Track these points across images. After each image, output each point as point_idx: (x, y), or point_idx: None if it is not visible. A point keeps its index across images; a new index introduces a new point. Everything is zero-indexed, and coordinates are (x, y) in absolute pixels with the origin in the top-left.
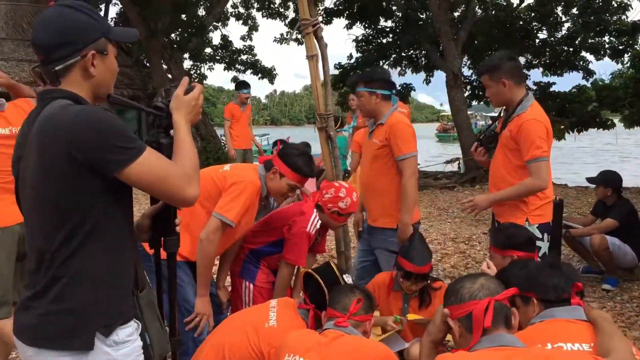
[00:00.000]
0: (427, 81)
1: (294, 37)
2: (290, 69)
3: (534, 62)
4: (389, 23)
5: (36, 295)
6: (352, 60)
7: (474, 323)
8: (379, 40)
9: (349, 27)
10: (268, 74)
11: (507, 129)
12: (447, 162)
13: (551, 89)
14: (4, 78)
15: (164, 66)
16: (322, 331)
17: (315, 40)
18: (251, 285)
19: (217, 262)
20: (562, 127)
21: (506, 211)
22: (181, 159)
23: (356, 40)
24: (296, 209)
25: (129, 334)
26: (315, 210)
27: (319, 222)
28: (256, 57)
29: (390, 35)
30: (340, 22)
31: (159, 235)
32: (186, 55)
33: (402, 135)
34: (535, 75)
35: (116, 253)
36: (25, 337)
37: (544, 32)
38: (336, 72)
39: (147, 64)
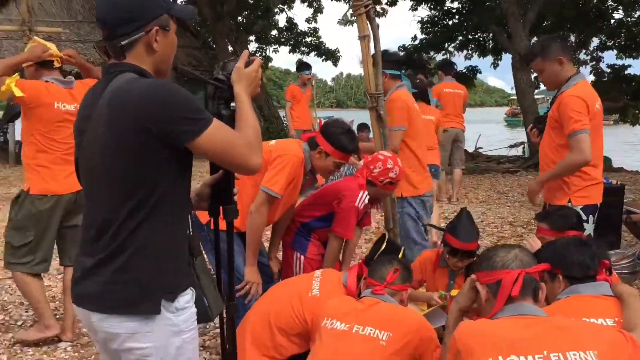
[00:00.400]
0: (495, 64)
1: (351, 18)
2: (355, 51)
3: (608, 44)
4: (455, 4)
5: (99, 264)
6: (417, 42)
7: (501, 291)
8: (445, 22)
9: (414, 8)
10: (332, 56)
11: (552, 108)
12: (511, 146)
13: (626, 72)
14: (76, 57)
15: (230, 48)
16: (360, 299)
17: (367, 21)
18: (302, 257)
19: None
20: (637, 111)
21: (549, 192)
22: (244, 129)
23: (421, 22)
24: (348, 184)
25: (187, 300)
26: (364, 186)
27: (368, 197)
28: (321, 40)
29: (457, 17)
30: (405, 4)
31: (218, 203)
32: (252, 38)
33: (393, 109)
34: (609, 57)
35: (178, 224)
36: (90, 304)
37: (620, 11)
38: (400, 54)
39: (214, 46)
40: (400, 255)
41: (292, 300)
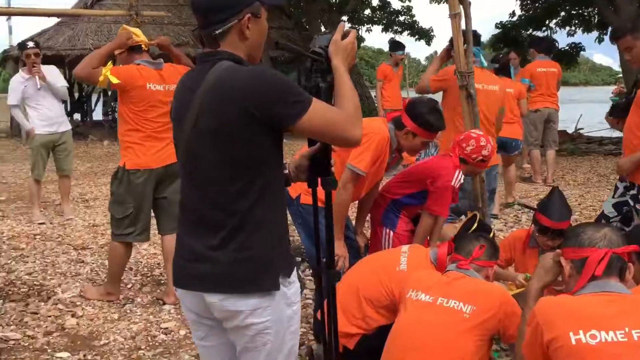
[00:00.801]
0: (600, 39)
1: None
2: (450, 30)
3: None
4: None
5: (215, 245)
6: (515, 19)
7: (585, 269)
8: None
9: None
10: (425, 35)
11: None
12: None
13: None
14: (167, 44)
15: (323, 28)
16: (445, 272)
17: None
18: (391, 232)
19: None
20: None
21: (638, 172)
22: (343, 102)
23: None
24: (442, 162)
25: (294, 274)
26: (458, 164)
27: (463, 176)
28: (414, 18)
29: None
30: None
31: (316, 175)
32: (345, 18)
33: None
34: None
35: (281, 200)
36: (208, 285)
37: None
38: (496, 31)
39: (307, 27)
40: (490, 236)
41: (380, 274)
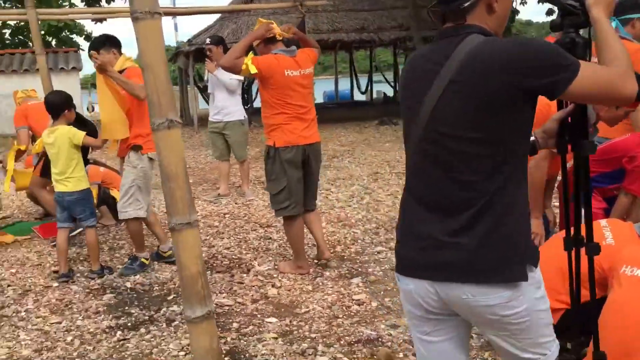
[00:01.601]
0: None
1: None
2: None
3: None
4: None
5: (457, 230)
6: None
7: None
8: None
9: None
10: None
11: None
12: None
13: None
14: (294, 30)
15: None
16: None
17: None
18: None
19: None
20: None
21: None
22: (612, 55)
23: None
24: (637, 140)
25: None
26: None
27: None
28: None
29: None
30: None
31: (570, 139)
32: None
33: None
34: None
35: (526, 176)
36: (451, 274)
37: None
38: None
39: None
40: None
41: None
